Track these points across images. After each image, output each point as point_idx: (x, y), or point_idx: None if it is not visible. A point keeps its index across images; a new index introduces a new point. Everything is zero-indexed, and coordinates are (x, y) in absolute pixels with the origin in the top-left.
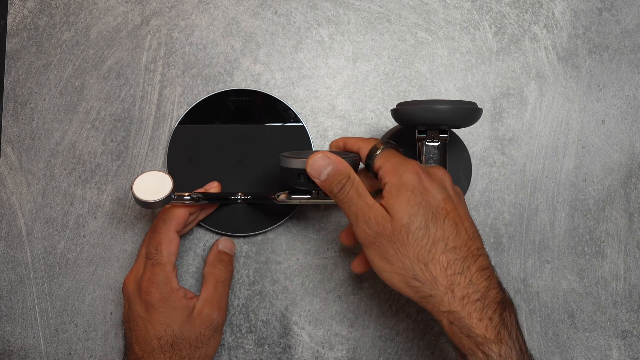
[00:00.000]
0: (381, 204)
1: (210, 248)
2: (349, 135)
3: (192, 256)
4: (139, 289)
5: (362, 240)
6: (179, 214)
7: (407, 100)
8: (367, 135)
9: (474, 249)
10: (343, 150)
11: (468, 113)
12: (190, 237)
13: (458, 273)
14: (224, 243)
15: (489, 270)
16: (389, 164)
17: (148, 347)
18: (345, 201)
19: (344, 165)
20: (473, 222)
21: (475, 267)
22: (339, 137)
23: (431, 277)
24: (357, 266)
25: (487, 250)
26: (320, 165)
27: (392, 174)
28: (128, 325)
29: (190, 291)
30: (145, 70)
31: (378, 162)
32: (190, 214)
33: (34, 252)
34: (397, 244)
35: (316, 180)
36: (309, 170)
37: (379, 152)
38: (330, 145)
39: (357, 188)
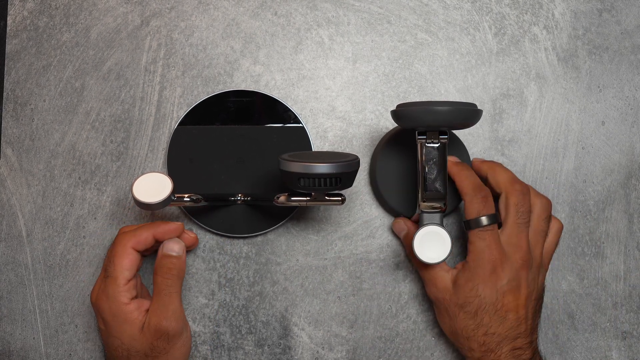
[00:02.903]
0: (454, 269)
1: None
2: (349, 135)
3: (191, 257)
4: (94, 302)
5: (428, 295)
6: (140, 233)
7: (407, 101)
8: (366, 137)
9: (515, 333)
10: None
11: (468, 114)
12: None
13: (490, 350)
14: (167, 245)
15: (521, 350)
16: (479, 244)
17: (111, 357)
18: (416, 263)
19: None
20: (531, 303)
21: (509, 347)
22: (338, 138)
23: (469, 348)
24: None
25: None
26: (397, 228)
27: (474, 256)
28: (100, 335)
29: (146, 302)
30: (145, 71)
31: (471, 236)
32: (157, 241)
33: (34, 253)
34: (451, 314)
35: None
36: (393, 229)
37: (482, 225)
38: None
39: None
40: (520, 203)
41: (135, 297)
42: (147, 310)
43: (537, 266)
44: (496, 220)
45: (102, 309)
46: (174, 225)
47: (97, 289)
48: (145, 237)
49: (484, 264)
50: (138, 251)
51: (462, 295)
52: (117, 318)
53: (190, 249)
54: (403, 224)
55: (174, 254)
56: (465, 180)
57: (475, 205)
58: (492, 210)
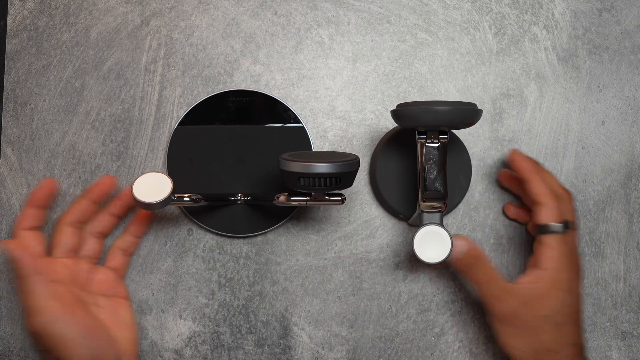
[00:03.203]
0: (525, 280)
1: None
2: (349, 135)
3: (192, 257)
4: None
5: (496, 316)
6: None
7: (407, 101)
8: (366, 136)
9: (581, 341)
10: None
11: (468, 114)
12: (190, 237)
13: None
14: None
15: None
16: (557, 251)
17: None
18: (477, 282)
19: (475, 248)
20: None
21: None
22: (338, 137)
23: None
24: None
25: (487, 251)
26: (456, 245)
27: (554, 264)
28: None
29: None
30: (145, 71)
31: (550, 242)
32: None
33: None
34: (534, 328)
35: (455, 256)
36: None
37: (558, 232)
38: (517, 158)
39: (489, 269)
40: (565, 212)
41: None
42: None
43: None
44: (573, 228)
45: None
46: (105, 180)
47: None
48: (79, 206)
49: (568, 272)
50: (77, 225)
51: (548, 307)
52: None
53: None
54: (461, 241)
55: (7, 245)
56: (539, 183)
57: (558, 209)
58: (572, 218)
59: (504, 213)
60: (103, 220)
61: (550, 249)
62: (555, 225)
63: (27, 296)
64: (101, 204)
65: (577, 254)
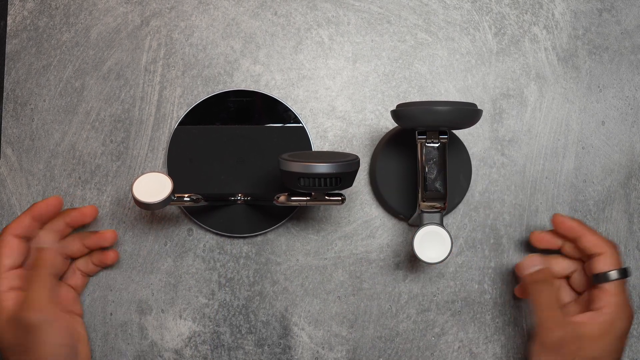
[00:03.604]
0: (582, 319)
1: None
2: (349, 135)
3: (192, 257)
4: None
5: (542, 341)
6: (19, 219)
7: (407, 101)
8: (366, 137)
9: None
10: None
11: (468, 114)
12: (190, 237)
13: None
14: (38, 237)
15: None
16: (616, 299)
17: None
18: (538, 304)
19: (549, 270)
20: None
21: None
22: (338, 137)
23: None
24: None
25: (486, 251)
26: (532, 262)
27: (612, 310)
28: None
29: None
30: (145, 71)
31: (610, 289)
32: (42, 224)
33: None
34: None
35: (524, 272)
36: (521, 265)
37: (615, 278)
38: (561, 220)
39: (553, 296)
40: (619, 259)
41: (18, 288)
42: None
43: None
44: (628, 275)
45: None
46: (50, 201)
47: None
48: (23, 221)
49: (624, 320)
50: (22, 238)
51: (598, 349)
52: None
53: (86, 220)
54: (538, 260)
55: (44, 245)
56: (596, 234)
57: (616, 257)
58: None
59: (532, 244)
60: (74, 246)
61: (610, 295)
62: (615, 272)
63: (37, 288)
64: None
65: (629, 302)
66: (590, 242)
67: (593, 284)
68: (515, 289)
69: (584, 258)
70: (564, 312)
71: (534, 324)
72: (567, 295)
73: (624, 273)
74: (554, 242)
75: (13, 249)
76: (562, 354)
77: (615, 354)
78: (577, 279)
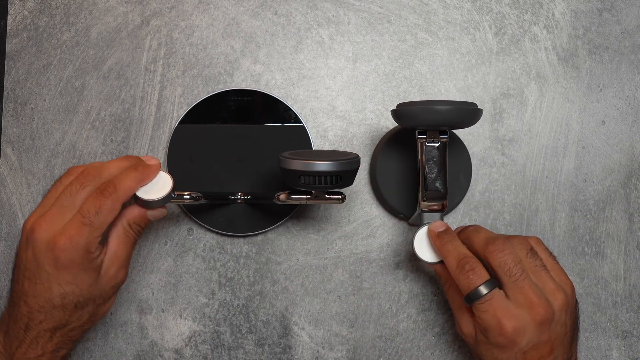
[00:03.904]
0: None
1: (134, 204)
2: (350, 135)
3: (192, 256)
4: (54, 242)
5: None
6: (131, 187)
7: (407, 100)
8: (367, 136)
9: None
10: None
11: (468, 114)
12: (191, 237)
13: None
14: (156, 215)
15: None
16: (485, 320)
17: (48, 303)
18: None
19: (446, 272)
20: (564, 340)
21: None
22: (339, 137)
23: None
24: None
25: None
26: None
27: (485, 329)
28: (25, 274)
29: (100, 246)
30: (145, 71)
31: (476, 312)
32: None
33: None
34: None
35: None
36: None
37: (481, 296)
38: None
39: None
40: (503, 262)
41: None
42: (99, 255)
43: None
44: (494, 285)
45: (65, 254)
46: (155, 164)
47: (69, 235)
48: (133, 189)
49: (497, 336)
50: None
51: (483, 353)
52: (80, 266)
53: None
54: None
55: (152, 218)
56: (448, 257)
57: (465, 281)
58: (485, 277)
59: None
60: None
61: (476, 318)
62: (468, 295)
63: (131, 250)
64: None
65: (507, 314)
66: (445, 260)
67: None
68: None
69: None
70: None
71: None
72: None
73: (473, 296)
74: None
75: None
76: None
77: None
78: None
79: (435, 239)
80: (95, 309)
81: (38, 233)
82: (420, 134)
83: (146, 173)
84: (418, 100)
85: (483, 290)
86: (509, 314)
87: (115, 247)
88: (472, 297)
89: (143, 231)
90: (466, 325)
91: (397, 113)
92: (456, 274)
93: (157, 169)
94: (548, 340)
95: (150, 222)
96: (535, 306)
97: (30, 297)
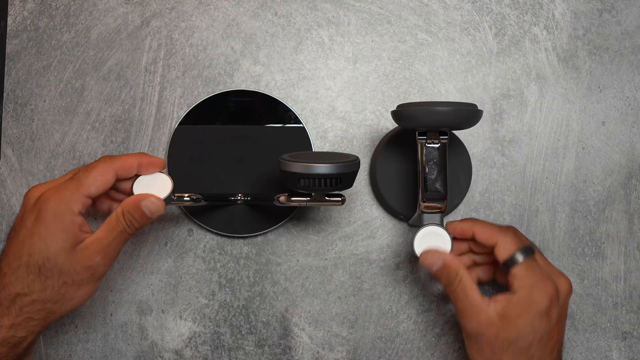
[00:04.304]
0: (495, 302)
1: (130, 195)
2: (350, 136)
3: (192, 257)
4: (41, 196)
5: (464, 331)
6: (126, 159)
7: (408, 101)
8: (367, 137)
9: None
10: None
11: (468, 115)
12: (191, 238)
13: None
14: (149, 206)
15: None
16: (528, 279)
17: (15, 261)
18: (452, 295)
19: (454, 262)
20: (562, 340)
21: None
22: (339, 138)
23: None
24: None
25: None
26: (432, 260)
27: (526, 290)
28: (8, 236)
29: (89, 226)
30: (145, 72)
31: (517, 272)
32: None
33: None
34: (496, 349)
35: (429, 271)
36: (422, 262)
37: (521, 261)
38: (454, 226)
39: (464, 286)
40: (521, 239)
41: (83, 216)
42: (86, 232)
43: None
44: (534, 251)
45: (45, 205)
46: (159, 160)
47: (47, 185)
48: (130, 163)
49: (540, 297)
50: (116, 177)
51: (515, 330)
52: (59, 223)
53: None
54: (438, 255)
55: (149, 214)
56: (486, 226)
57: (511, 240)
58: (528, 242)
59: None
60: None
61: (520, 277)
62: (517, 254)
63: (120, 242)
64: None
65: (550, 280)
66: (483, 237)
67: (503, 272)
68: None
69: (489, 252)
70: (477, 299)
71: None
72: (483, 274)
73: (526, 251)
74: (460, 248)
75: (106, 182)
76: (486, 341)
77: (538, 334)
78: (481, 272)
79: (465, 223)
80: (61, 287)
81: (30, 193)
82: (420, 135)
83: (149, 158)
84: (418, 101)
85: (528, 251)
86: (550, 278)
87: (101, 231)
88: (518, 258)
89: (138, 227)
90: (485, 313)
91: (397, 114)
92: (503, 236)
93: (160, 162)
94: (566, 317)
95: (147, 220)
96: (564, 276)
97: (3, 258)
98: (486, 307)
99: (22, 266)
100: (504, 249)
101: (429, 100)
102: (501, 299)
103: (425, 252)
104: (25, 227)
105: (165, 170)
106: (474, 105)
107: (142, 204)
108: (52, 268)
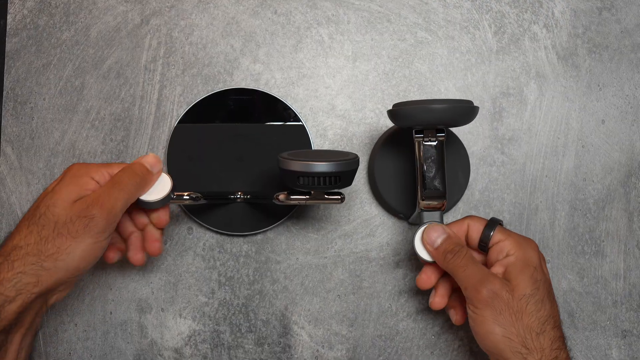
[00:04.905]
0: (496, 269)
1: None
2: (349, 134)
3: (192, 255)
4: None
5: (476, 302)
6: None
7: (405, 100)
8: (366, 135)
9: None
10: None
11: (464, 111)
12: (190, 236)
13: (561, 349)
14: (148, 160)
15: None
16: (511, 239)
17: (25, 217)
18: (460, 265)
19: (457, 235)
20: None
21: (566, 351)
22: (338, 136)
23: (540, 347)
24: (424, 282)
25: None
26: (437, 233)
27: (517, 249)
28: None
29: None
30: (145, 70)
31: (498, 236)
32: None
33: None
34: (515, 311)
35: (429, 249)
36: (425, 237)
37: (495, 229)
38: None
39: (470, 255)
40: (485, 219)
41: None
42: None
43: None
44: (502, 222)
45: (69, 169)
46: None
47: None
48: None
49: (530, 253)
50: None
51: (527, 285)
52: (72, 180)
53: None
54: (442, 228)
55: (149, 167)
56: (451, 226)
57: (477, 220)
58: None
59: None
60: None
61: (503, 245)
62: (486, 228)
63: (122, 196)
64: None
65: (525, 237)
66: (455, 227)
67: (485, 252)
68: (418, 280)
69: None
70: (484, 267)
71: (463, 290)
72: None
73: (493, 222)
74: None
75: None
76: (504, 303)
77: (543, 284)
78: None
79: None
80: (56, 238)
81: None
82: (417, 133)
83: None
84: (414, 99)
85: (497, 221)
86: (521, 235)
87: (101, 187)
88: (492, 226)
89: (139, 181)
90: (495, 278)
91: (393, 113)
92: (464, 219)
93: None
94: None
95: (146, 172)
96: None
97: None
98: (493, 274)
99: (26, 219)
100: (475, 230)
101: (426, 98)
102: (499, 265)
103: (428, 227)
104: (48, 188)
105: (165, 168)
106: (470, 102)
107: (142, 159)
108: (50, 217)
